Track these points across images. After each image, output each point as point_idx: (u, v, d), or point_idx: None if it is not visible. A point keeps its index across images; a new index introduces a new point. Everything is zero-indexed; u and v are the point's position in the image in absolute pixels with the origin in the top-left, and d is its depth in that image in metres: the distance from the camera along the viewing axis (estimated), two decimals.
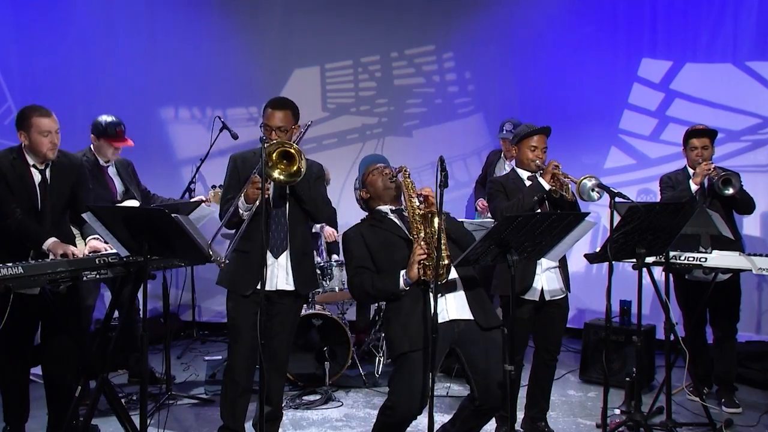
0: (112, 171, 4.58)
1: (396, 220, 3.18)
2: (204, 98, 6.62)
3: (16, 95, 5.23)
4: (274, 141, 3.14)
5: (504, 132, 5.49)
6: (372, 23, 6.81)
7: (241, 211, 3.25)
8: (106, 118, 4.45)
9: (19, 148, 3.41)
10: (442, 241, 2.84)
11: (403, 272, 2.97)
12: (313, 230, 5.32)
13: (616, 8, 6.18)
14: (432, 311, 2.76)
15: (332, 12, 6.74)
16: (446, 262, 2.84)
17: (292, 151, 3.06)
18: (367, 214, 3.34)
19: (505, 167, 5.56)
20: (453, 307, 3.02)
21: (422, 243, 2.94)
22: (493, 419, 3.84)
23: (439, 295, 2.91)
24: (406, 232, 3.09)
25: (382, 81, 6.92)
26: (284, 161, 3.08)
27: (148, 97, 6.34)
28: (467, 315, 3.03)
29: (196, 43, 6.51)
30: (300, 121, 3.44)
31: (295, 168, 3.06)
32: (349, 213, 4.88)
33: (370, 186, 3.27)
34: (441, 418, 3.68)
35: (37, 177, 3.42)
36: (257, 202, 3.17)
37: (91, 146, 4.49)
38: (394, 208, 3.22)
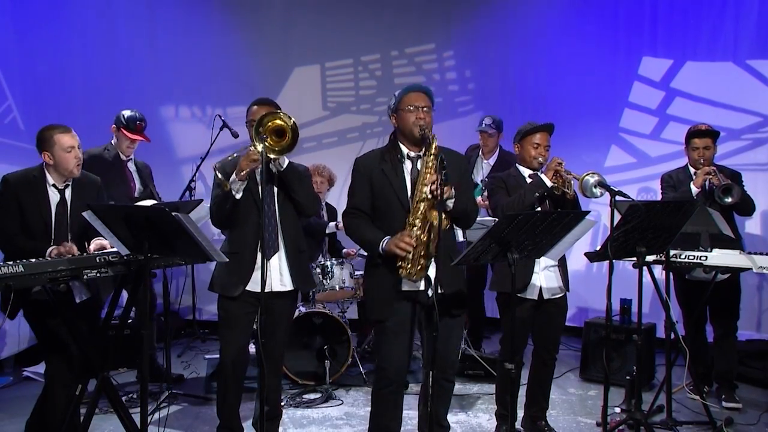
0: (131, 167, 4.71)
1: (407, 173, 3.07)
2: (204, 97, 6.62)
3: (17, 94, 5.22)
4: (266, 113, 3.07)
5: (483, 125, 5.53)
6: (372, 22, 6.81)
7: (233, 192, 3.22)
8: (128, 112, 4.64)
9: (41, 167, 3.43)
10: (433, 239, 2.89)
11: (385, 240, 2.97)
12: (328, 230, 5.34)
13: (617, 7, 6.18)
14: (434, 312, 2.79)
15: (333, 10, 6.75)
16: (423, 262, 2.93)
17: (282, 123, 3.01)
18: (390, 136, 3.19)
19: (481, 166, 5.61)
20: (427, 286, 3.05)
21: (412, 238, 2.90)
22: (494, 418, 3.87)
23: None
24: (408, 197, 3.02)
25: (382, 79, 6.91)
26: (274, 137, 3.04)
27: (148, 95, 6.34)
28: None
29: (196, 42, 6.51)
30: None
31: (286, 140, 3.03)
32: None
33: (401, 120, 3.06)
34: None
35: (55, 198, 3.42)
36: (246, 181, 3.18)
37: (113, 141, 4.62)
38: (412, 154, 3.09)
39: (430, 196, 2.92)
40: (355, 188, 3.13)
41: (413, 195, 3.01)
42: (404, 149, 3.10)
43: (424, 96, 3.07)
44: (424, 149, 3.04)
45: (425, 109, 3.05)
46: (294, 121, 3.05)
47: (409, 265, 2.94)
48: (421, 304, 3.06)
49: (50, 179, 3.41)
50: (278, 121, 3.03)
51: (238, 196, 3.25)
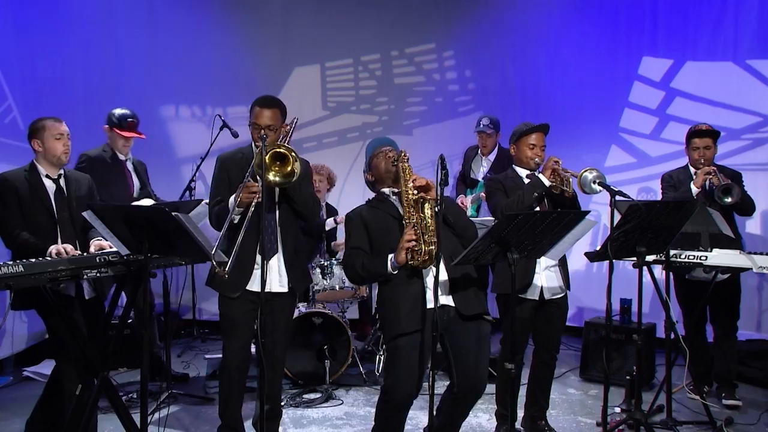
0: (130, 166, 4.70)
1: (395, 203, 3.18)
2: (204, 96, 6.61)
3: (17, 93, 5.22)
4: (266, 144, 3.13)
5: (481, 126, 5.53)
6: (372, 21, 6.80)
7: (231, 215, 3.24)
8: (119, 110, 4.61)
9: (31, 162, 3.47)
10: (431, 228, 2.90)
11: (391, 256, 2.98)
12: (327, 227, 5.34)
13: (617, 6, 6.18)
14: (434, 311, 2.78)
15: (333, 10, 6.74)
16: (432, 247, 2.87)
17: (284, 151, 3.09)
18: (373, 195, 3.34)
19: (482, 163, 5.61)
20: (441, 292, 3.00)
21: (412, 229, 2.94)
22: (494, 418, 3.86)
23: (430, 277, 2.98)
24: (402, 215, 3.07)
25: (382, 79, 6.91)
26: (277, 163, 3.10)
27: (148, 95, 6.33)
28: (451, 302, 3.03)
29: (196, 42, 6.51)
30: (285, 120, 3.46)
31: (289, 168, 3.10)
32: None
33: (374, 169, 3.26)
34: None
35: (51, 187, 3.45)
36: (251, 208, 3.19)
37: (108, 142, 4.61)
38: (396, 190, 3.19)
39: (416, 192, 2.98)
40: (351, 233, 3.18)
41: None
42: (386, 191, 3.22)
43: (390, 146, 3.29)
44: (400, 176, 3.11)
45: (392, 150, 3.25)
46: (287, 147, 3.13)
47: (418, 255, 2.93)
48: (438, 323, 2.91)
49: (42, 170, 3.45)
50: (275, 149, 3.10)
51: (236, 220, 3.26)
